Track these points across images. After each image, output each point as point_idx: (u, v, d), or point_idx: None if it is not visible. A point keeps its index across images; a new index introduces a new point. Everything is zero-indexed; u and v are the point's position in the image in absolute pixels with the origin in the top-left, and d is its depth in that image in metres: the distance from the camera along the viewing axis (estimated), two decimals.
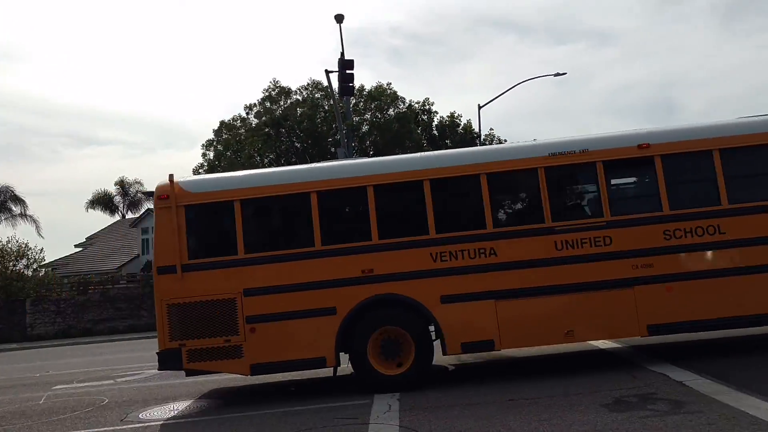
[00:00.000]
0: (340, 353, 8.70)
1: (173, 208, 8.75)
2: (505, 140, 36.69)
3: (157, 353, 8.63)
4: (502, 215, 9.14)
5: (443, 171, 8.97)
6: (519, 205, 9.51)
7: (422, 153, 9.86)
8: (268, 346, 8.56)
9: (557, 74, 31.37)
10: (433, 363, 8.80)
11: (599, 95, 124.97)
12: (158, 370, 8.90)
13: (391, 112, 34.15)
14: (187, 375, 8.96)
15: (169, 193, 8.80)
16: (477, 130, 33.59)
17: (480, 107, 31.74)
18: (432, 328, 8.77)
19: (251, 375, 8.74)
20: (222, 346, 8.56)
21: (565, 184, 9.27)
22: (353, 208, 9.32)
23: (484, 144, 33.35)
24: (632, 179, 9.34)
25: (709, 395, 6.55)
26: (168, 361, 8.60)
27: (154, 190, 9.13)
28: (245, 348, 8.54)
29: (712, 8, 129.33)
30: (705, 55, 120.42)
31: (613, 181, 8.94)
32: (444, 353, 8.69)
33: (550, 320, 8.58)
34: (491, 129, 40.43)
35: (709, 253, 8.64)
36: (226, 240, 8.99)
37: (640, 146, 8.86)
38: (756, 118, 9.28)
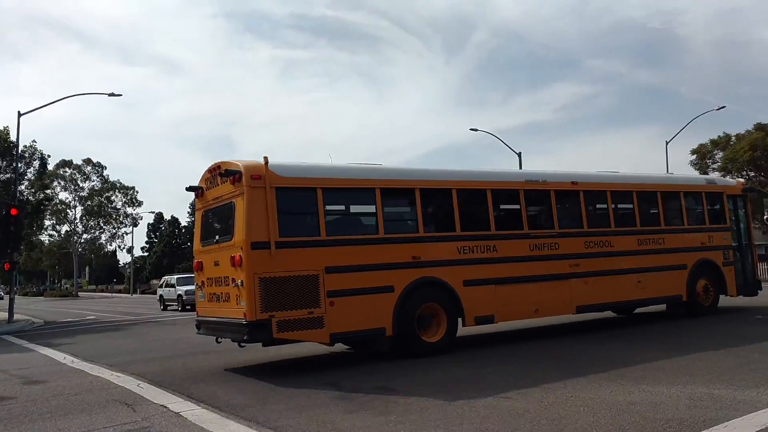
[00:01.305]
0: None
1: (266, 189, 9.30)
2: (48, 155, 34.55)
3: (245, 324, 8.88)
4: (499, 221, 11.44)
5: (466, 184, 11.23)
6: (509, 215, 12.04)
7: (450, 169, 11.79)
8: (344, 318, 9.50)
9: (112, 94, 30.09)
10: None
11: (164, 123, 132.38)
12: (245, 341, 9.22)
13: None
14: (265, 345, 9.82)
15: (262, 174, 9.33)
16: (14, 139, 29.05)
17: (20, 114, 27.98)
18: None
19: (330, 344, 9.86)
20: (306, 317, 9.26)
21: (533, 203, 12.14)
22: (405, 205, 10.90)
23: (23, 155, 31.15)
24: (567, 204, 12.61)
25: (198, 425, 6.22)
26: (258, 331, 8.97)
27: (234, 167, 9.55)
28: (326, 319, 9.37)
29: (273, 61, 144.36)
30: (264, 101, 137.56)
31: (558, 205, 12.15)
32: (462, 326, 10.66)
33: (527, 301, 11.34)
34: (34, 141, 38.42)
35: (606, 259, 12.43)
36: (311, 222, 9.81)
37: (573, 182, 12.45)
38: (636, 173, 14.39)
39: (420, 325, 10.16)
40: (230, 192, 9.66)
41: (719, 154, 45.56)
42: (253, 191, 9.27)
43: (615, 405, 5.99)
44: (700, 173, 47.32)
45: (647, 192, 13.68)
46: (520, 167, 41.51)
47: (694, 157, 46.47)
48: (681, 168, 45.45)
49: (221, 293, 9.81)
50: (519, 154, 41.67)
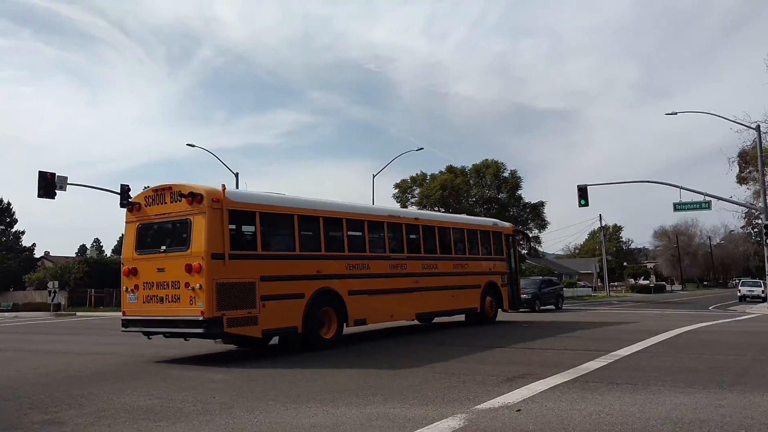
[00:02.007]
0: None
1: (223, 210, 11.33)
2: None
3: (203, 320, 10.71)
4: (371, 246, 14.79)
5: (352, 215, 14.49)
6: (377, 241, 15.16)
7: (343, 202, 14.91)
8: (271, 317, 11.73)
9: None
10: None
11: None
12: (201, 335, 11.19)
13: None
14: (215, 337, 11.88)
15: (221, 198, 11.36)
16: None
17: None
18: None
19: (261, 338, 11.95)
20: (246, 316, 11.34)
21: (391, 232, 15.61)
22: (313, 229, 13.34)
23: None
24: (411, 235, 16.36)
25: None
26: (214, 325, 10.83)
27: (198, 188, 11.40)
28: (260, 318, 11.52)
29: None
30: None
31: (407, 235, 16.08)
32: (346, 326, 13.57)
33: (387, 308, 14.92)
34: None
35: (435, 278, 16.64)
36: (251, 239, 12.06)
37: (415, 218, 16.96)
38: (452, 215, 21.55)
39: (320, 325, 12.88)
40: (185, 210, 11.40)
41: (417, 190, 50.60)
42: (213, 212, 11.23)
43: (298, 428, 6.07)
44: (401, 206, 51.79)
45: (459, 229, 18.56)
46: (237, 187, 41.38)
47: (397, 191, 50.96)
48: (385, 200, 49.26)
49: (168, 295, 11.35)
50: (236, 175, 41.51)
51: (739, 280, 68.01)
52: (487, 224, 20.67)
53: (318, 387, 8.29)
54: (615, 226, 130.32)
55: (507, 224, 21.90)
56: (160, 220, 11.97)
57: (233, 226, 11.66)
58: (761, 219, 34.86)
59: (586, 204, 35.15)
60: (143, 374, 9.90)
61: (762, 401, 6.71)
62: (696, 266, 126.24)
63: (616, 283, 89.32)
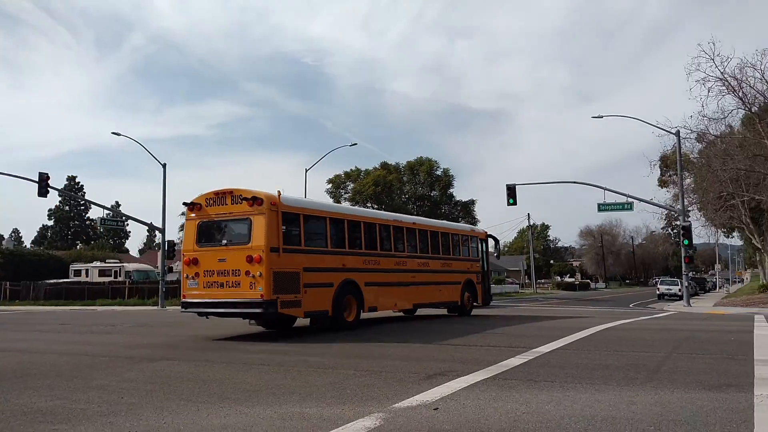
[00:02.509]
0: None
1: (278, 213, 13.81)
2: None
3: (262, 302, 13.16)
4: (381, 245, 17.70)
5: (368, 219, 17.77)
6: (385, 240, 18.01)
7: (361, 209, 21.69)
8: (310, 302, 14.25)
9: None
10: None
11: None
12: (260, 314, 13.96)
13: None
14: (270, 318, 14.72)
15: (277, 203, 13.80)
16: None
17: None
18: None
19: (304, 318, 14.78)
20: (294, 299, 13.83)
21: (396, 234, 18.60)
22: (340, 230, 16.11)
23: None
24: (410, 237, 19.30)
25: None
26: (271, 306, 13.20)
27: (260, 193, 13.81)
28: (302, 302, 14.07)
29: None
30: None
31: (407, 236, 19.18)
32: (363, 312, 16.36)
33: (393, 298, 17.93)
34: None
35: (428, 274, 19.67)
36: (297, 236, 14.52)
37: (413, 223, 20.19)
38: (440, 222, 25.12)
39: (345, 309, 15.50)
40: (246, 211, 13.71)
41: (350, 186, 50.38)
42: (271, 213, 13.63)
43: (207, 429, 5.82)
44: (334, 201, 51.55)
45: (445, 233, 21.52)
46: (164, 178, 40.29)
47: (330, 186, 50.63)
48: (318, 195, 48.89)
49: (228, 281, 13.63)
50: (164, 166, 40.41)
51: (659, 278, 70.82)
52: (466, 230, 24.17)
53: (234, 386, 8.01)
54: (543, 225, 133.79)
55: (481, 230, 25.40)
56: (220, 218, 14.33)
57: (285, 226, 14.09)
58: (679, 221, 36.24)
59: (515, 203, 35.79)
60: (50, 373, 9.36)
61: (671, 398, 6.85)
62: (619, 265, 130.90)
63: (542, 281, 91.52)
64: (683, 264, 33.63)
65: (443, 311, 22.17)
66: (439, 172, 51.75)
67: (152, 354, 11.54)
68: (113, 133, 40.52)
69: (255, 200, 13.60)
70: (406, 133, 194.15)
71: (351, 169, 50.44)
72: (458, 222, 53.46)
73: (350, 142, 43.75)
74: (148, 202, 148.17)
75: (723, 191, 38.80)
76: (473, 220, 53.28)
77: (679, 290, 44.83)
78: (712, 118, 35.22)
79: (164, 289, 39.06)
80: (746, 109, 33.78)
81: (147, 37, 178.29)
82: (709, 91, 33.47)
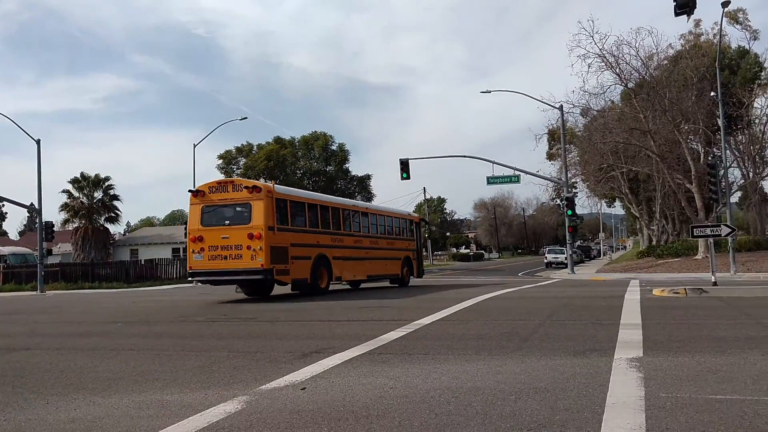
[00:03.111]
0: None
1: (273, 199, 17.69)
2: None
3: (262, 270, 16.94)
4: (344, 225, 21.78)
5: (336, 204, 22.23)
6: (347, 222, 22.22)
7: (331, 196, 26.00)
8: (296, 271, 18.17)
9: None
10: None
11: None
12: (260, 279, 17.67)
13: None
14: (268, 283, 18.49)
15: (272, 191, 17.88)
16: None
17: None
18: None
19: (290, 284, 18.72)
20: (284, 268, 17.68)
21: (353, 217, 22.99)
22: (315, 213, 20.27)
23: None
24: (364, 219, 23.83)
25: None
26: (268, 274, 17.03)
27: (258, 183, 18.53)
28: (290, 271, 17.95)
29: None
30: None
31: (362, 218, 23.48)
32: (331, 282, 20.34)
33: (352, 271, 21.73)
34: None
35: (377, 250, 23.68)
36: (285, 217, 18.32)
37: (366, 208, 25.58)
38: (386, 207, 29.89)
39: (319, 279, 19.41)
40: (246, 197, 17.51)
41: (243, 161, 49.16)
42: (268, 199, 17.34)
43: (53, 425, 5.38)
44: (226, 177, 50.28)
45: (389, 217, 26.25)
46: (39, 155, 37.89)
47: (221, 161, 49.19)
48: (210, 171, 47.34)
49: (231, 254, 17.17)
50: (38, 142, 37.93)
51: (548, 247, 73.81)
52: (405, 214, 28.50)
53: (94, 374, 7.52)
54: (439, 198, 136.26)
55: (416, 215, 30.69)
56: (223, 203, 17.94)
57: (277, 210, 17.77)
58: (563, 192, 37.77)
59: (408, 177, 36.13)
60: None
61: (537, 365, 7.00)
62: (512, 235, 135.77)
63: (439, 252, 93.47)
64: (567, 233, 35.15)
65: (386, 283, 26.03)
66: (334, 147, 51.43)
67: (12, 344, 10.70)
68: None
69: (254, 189, 17.69)
70: (305, 108, 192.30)
71: (243, 144, 49.22)
72: (354, 198, 53.63)
73: (247, 116, 42.43)
74: (28, 181, 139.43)
75: (603, 163, 40.73)
76: (369, 195, 53.52)
77: (566, 258, 46.98)
78: (592, 93, 36.80)
79: (43, 273, 36.86)
80: (623, 84, 35.46)
81: (20, 4, 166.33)
82: (589, 67, 35.00)
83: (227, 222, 17.49)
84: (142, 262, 44.29)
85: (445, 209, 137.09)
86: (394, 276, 25.42)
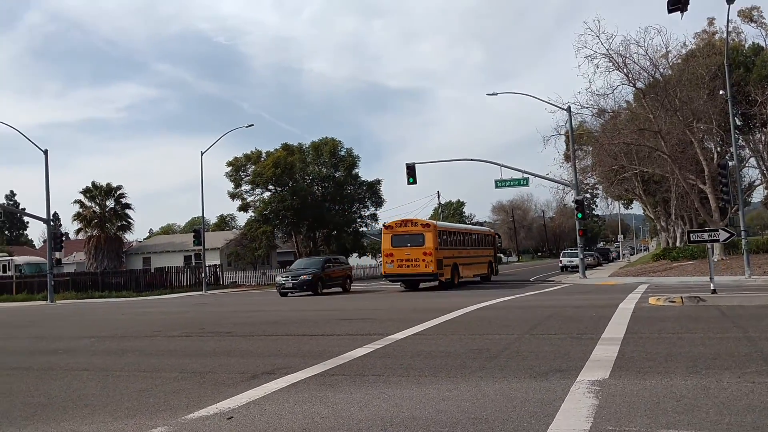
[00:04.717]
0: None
1: (436, 231, 28.98)
2: None
3: (433, 273, 27.84)
4: (464, 243, 33.48)
5: (458, 229, 35.65)
6: (464, 240, 33.68)
7: (458, 224, 48.96)
8: (445, 273, 28.90)
9: None
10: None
11: None
12: (431, 280, 28.65)
13: None
14: (435, 281, 28.65)
15: (436, 226, 29.46)
16: None
17: None
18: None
19: (440, 282, 28.78)
20: (441, 272, 28.39)
21: (465, 236, 34.43)
22: (451, 236, 31.96)
23: None
24: (470, 237, 35.22)
25: None
26: (436, 277, 28.17)
27: (428, 222, 31.05)
28: (444, 273, 28.75)
29: None
30: None
31: (471, 237, 35.28)
32: (459, 281, 30.95)
33: (467, 272, 32.53)
34: None
35: (475, 258, 34.36)
36: (441, 241, 29.41)
37: (471, 230, 37.86)
38: (480, 227, 49.96)
39: (454, 277, 29.95)
40: (421, 230, 28.70)
41: (252, 168, 48.86)
42: (434, 231, 28.62)
43: None
44: (234, 185, 50.18)
45: (481, 234, 37.30)
46: (47, 166, 37.99)
47: (230, 169, 48.93)
48: (220, 178, 47.12)
49: (412, 263, 28.10)
50: (45, 152, 38.06)
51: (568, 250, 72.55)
52: (487, 230, 40.91)
53: (25, 400, 7.14)
54: (458, 201, 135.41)
55: (492, 231, 43.53)
56: (406, 233, 28.79)
57: (439, 237, 28.84)
58: (572, 194, 37.00)
59: (414, 182, 35.64)
60: None
61: (489, 390, 6.48)
62: (531, 238, 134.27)
63: None
64: (578, 237, 34.36)
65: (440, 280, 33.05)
66: (342, 152, 51.03)
67: None
68: None
69: (426, 225, 29.31)
70: (324, 113, 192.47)
71: (251, 151, 48.80)
72: (364, 202, 53.27)
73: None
74: (52, 189, 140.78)
75: (615, 164, 39.85)
76: (379, 200, 53.02)
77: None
78: (599, 94, 35.95)
79: (53, 283, 36.86)
80: (631, 84, 34.61)
81: (46, 16, 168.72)
82: (596, 68, 34.06)
83: (408, 244, 28.40)
84: (152, 271, 44.20)
85: (464, 213, 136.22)
86: (483, 275, 35.34)
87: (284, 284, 29.18)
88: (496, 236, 41.10)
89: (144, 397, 6.98)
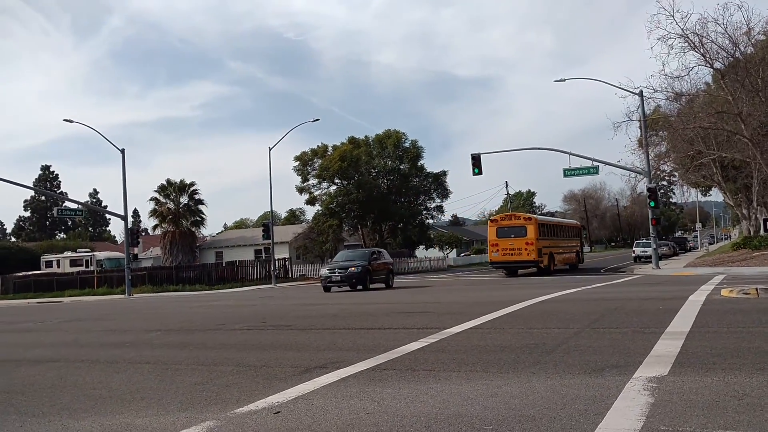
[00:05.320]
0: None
1: (537, 224, 34.84)
2: None
3: (534, 261, 33.41)
4: (557, 234, 38.92)
5: (552, 222, 42.93)
6: (557, 232, 39.50)
7: (552, 218, 57.69)
8: (545, 261, 34.15)
9: None
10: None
11: None
12: (533, 266, 33.86)
13: None
14: (537, 266, 33.97)
15: (536, 219, 36.16)
16: None
17: None
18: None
19: (542, 268, 34.03)
20: (540, 260, 33.72)
21: (558, 228, 40.70)
22: (548, 228, 37.85)
23: None
24: (560, 228, 41.22)
25: None
26: (537, 264, 33.60)
27: (530, 215, 39.60)
28: (543, 261, 33.95)
29: None
30: None
31: (562, 228, 41.89)
32: (554, 267, 35.74)
33: (560, 259, 37.65)
34: None
35: (567, 247, 40.29)
36: (541, 233, 34.47)
37: (560, 222, 45.20)
38: (570, 220, 59.57)
39: (550, 265, 34.89)
40: (523, 223, 34.29)
41: (318, 162, 49.42)
42: (535, 223, 34.50)
43: None
44: (302, 179, 50.84)
45: (570, 227, 43.62)
46: (123, 165, 39.44)
47: (297, 163, 49.60)
48: (288, 173, 47.97)
49: (515, 251, 33.56)
50: (122, 151, 39.55)
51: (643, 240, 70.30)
52: (574, 223, 46.17)
53: (88, 393, 7.39)
54: (529, 191, 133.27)
55: (578, 223, 49.12)
56: (509, 226, 34.45)
57: (539, 228, 34.15)
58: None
59: (480, 173, 35.22)
60: None
61: (540, 386, 6.30)
62: (604, 228, 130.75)
63: None
64: (650, 226, 33.25)
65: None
66: (407, 144, 50.94)
67: (41, 355, 10.91)
68: (65, 120, 39.45)
69: (528, 218, 34.81)
70: (393, 105, 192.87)
71: (318, 146, 49.38)
72: (430, 194, 53.07)
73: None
74: (133, 188, 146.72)
75: (691, 150, 38.27)
76: (445, 191, 52.78)
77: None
78: (674, 77, 34.53)
79: (130, 277, 38.36)
80: (708, 65, 33.09)
81: (125, 20, 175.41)
82: (671, 49, 32.71)
83: (512, 235, 33.48)
84: (224, 265, 45.41)
85: (535, 203, 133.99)
86: (572, 263, 40.25)
87: (330, 277, 26.61)
88: (582, 228, 47.30)
89: (197, 390, 7.12)
